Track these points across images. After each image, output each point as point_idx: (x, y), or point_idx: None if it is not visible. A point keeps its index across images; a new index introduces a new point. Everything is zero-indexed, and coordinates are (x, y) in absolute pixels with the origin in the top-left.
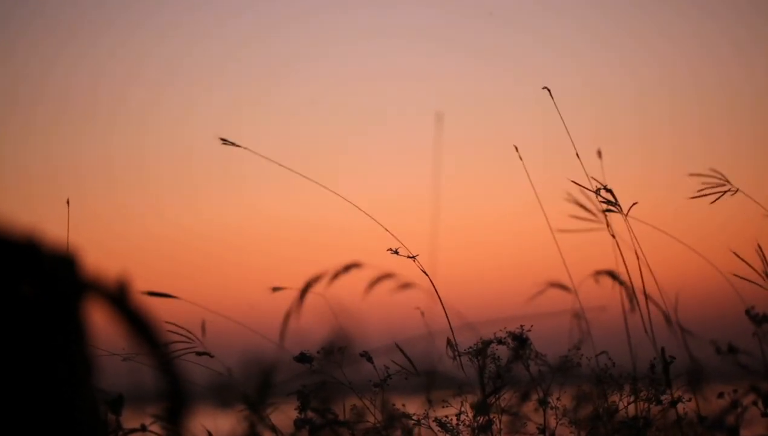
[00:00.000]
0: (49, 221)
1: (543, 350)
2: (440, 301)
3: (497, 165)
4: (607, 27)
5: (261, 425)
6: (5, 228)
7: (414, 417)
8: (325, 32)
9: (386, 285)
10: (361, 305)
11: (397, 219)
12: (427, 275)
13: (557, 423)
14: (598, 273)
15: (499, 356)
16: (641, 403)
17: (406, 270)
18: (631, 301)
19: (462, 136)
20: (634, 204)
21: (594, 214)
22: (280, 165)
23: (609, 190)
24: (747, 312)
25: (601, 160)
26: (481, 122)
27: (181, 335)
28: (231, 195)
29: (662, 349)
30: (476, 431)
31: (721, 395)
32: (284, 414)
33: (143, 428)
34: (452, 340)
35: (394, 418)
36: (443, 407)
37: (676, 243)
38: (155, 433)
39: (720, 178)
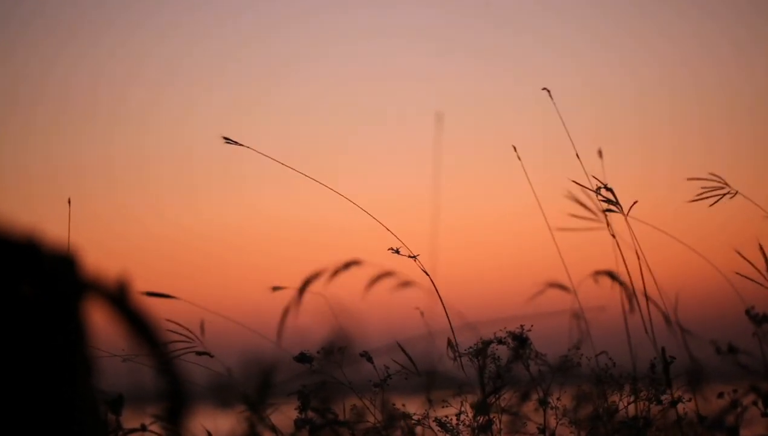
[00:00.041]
0: (49, 220)
1: (543, 350)
2: (441, 301)
3: (497, 165)
4: (607, 27)
5: (261, 425)
6: (5, 228)
7: (414, 417)
8: (325, 32)
9: (386, 283)
10: (360, 304)
11: (397, 219)
12: (427, 274)
13: (557, 423)
14: (598, 273)
15: (499, 356)
16: (641, 403)
17: (407, 270)
18: (630, 301)
19: (462, 136)
20: (634, 203)
21: (594, 213)
22: (283, 164)
23: (609, 190)
24: (747, 312)
25: (602, 160)
26: (481, 122)
27: (181, 334)
28: (231, 195)
29: (662, 349)
30: (476, 431)
31: (721, 395)
32: (284, 414)
33: (143, 428)
34: (453, 340)
35: (394, 418)
36: (443, 407)
37: (676, 243)
38: (155, 433)
39: (719, 181)
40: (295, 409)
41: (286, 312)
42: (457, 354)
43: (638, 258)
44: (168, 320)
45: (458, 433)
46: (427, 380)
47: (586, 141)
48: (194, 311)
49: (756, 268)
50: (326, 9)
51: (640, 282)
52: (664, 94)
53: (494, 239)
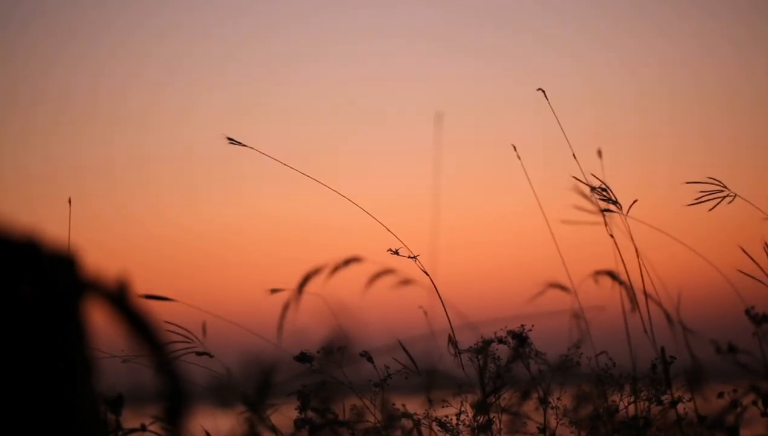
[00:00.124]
0: (49, 220)
1: (543, 349)
2: (441, 300)
3: (497, 165)
4: (607, 27)
5: (261, 425)
6: (5, 228)
7: (414, 417)
8: (325, 32)
9: (386, 281)
10: (360, 304)
11: (398, 219)
12: (427, 274)
13: (557, 423)
14: (598, 273)
15: (499, 356)
16: (641, 403)
17: (407, 270)
18: (631, 301)
19: (462, 136)
20: (634, 202)
21: (594, 212)
22: (285, 165)
23: (605, 189)
24: (747, 312)
25: (602, 160)
26: (480, 122)
27: (181, 335)
28: (231, 195)
29: (662, 349)
30: (476, 430)
31: (721, 395)
32: (284, 414)
33: (143, 428)
34: (453, 338)
35: (394, 418)
36: (443, 406)
37: (676, 243)
38: (155, 433)
39: (717, 185)
40: (295, 409)
41: (285, 308)
42: (457, 351)
43: (638, 258)
44: (168, 322)
45: (458, 433)
46: (427, 379)
47: (586, 141)
48: (194, 311)
49: (759, 266)
50: (326, 9)
51: (640, 282)
52: (664, 94)
53: (494, 239)
